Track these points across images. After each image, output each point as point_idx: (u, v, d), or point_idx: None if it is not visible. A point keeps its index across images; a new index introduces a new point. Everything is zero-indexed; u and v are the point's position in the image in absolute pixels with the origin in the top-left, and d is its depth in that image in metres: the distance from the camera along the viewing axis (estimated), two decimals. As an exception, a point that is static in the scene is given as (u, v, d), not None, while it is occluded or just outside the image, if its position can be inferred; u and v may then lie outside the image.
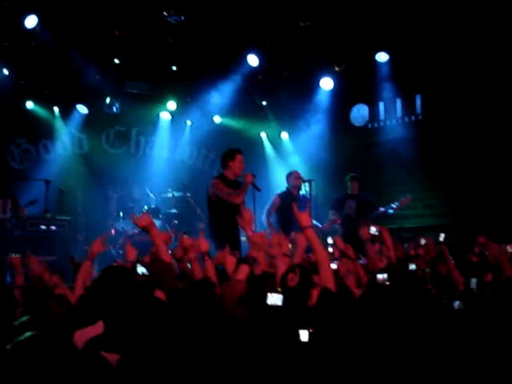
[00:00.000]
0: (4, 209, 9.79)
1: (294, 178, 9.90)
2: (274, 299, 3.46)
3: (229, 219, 8.04)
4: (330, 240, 6.88)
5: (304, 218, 4.68)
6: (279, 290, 3.54)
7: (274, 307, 3.44)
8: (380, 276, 4.61)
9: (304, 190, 9.86)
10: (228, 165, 8.45)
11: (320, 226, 9.94)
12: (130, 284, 4.04)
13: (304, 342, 3.26)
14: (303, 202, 9.71)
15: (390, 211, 10.19)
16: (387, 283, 4.54)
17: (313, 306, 4.03)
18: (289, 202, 9.58)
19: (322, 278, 4.29)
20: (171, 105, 12.64)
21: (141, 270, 4.45)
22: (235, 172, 8.42)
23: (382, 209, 10.29)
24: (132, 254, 5.42)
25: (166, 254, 4.42)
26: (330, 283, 4.26)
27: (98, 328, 3.29)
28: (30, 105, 11.66)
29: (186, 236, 5.51)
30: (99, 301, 3.76)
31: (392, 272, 4.79)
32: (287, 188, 9.96)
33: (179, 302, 3.67)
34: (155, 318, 3.12)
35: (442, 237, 6.99)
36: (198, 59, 11.60)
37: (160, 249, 4.46)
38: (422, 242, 6.66)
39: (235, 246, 7.47)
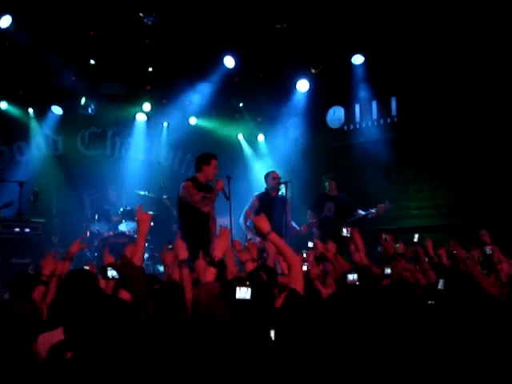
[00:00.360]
0: None
1: (271, 178, 9.88)
2: (243, 293, 3.47)
3: (198, 221, 8.10)
4: (310, 244, 6.89)
5: (262, 223, 4.65)
6: (247, 283, 3.54)
7: (244, 303, 3.45)
8: (350, 276, 4.64)
9: (281, 191, 9.84)
10: (202, 169, 8.49)
11: (298, 228, 9.94)
12: (93, 287, 4.04)
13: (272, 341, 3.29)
14: (281, 203, 9.72)
15: (369, 216, 10.19)
16: (357, 283, 4.57)
17: (279, 307, 4.05)
18: (267, 203, 9.63)
19: (291, 280, 4.29)
20: (146, 106, 12.56)
21: (111, 273, 4.44)
22: (208, 177, 8.50)
23: (361, 212, 10.26)
24: (108, 258, 5.42)
25: (140, 257, 4.38)
26: (299, 285, 4.26)
27: (59, 333, 3.28)
28: (3, 105, 11.48)
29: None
30: (63, 305, 3.75)
31: (361, 273, 4.82)
32: (266, 189, 9.94)
33: (149, 305, 3.64)
34: (116, 319, 3.11)
35: (416, 237, 7.05)
36: (174, 60, 11.57)
37: (139, 248, 4.41)
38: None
39: (206, 247, 7.46)
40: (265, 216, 4.71)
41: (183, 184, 8.49)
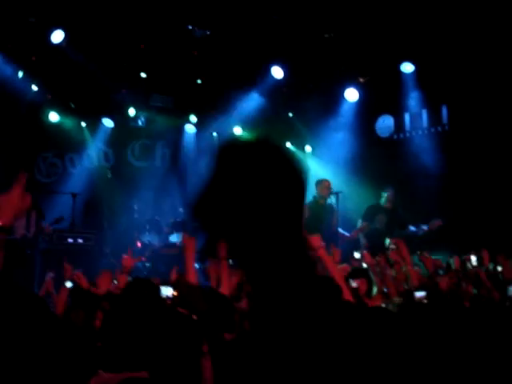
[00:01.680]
0: (28, 223, 9.74)
1: (323, 187, 9.73)
2: (165, 291, 3.52)
3: None
4: (356, 255, 6.77)
5: (314, 240, 4.63)
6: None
7: None
8: (418, 294, 4.51)
9: (330, 200, 9.75)
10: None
11: (347, 234, 9.84)
12: (157, 300, 3.99)
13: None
14: (330, 212, 9.65)
15: (420, 233, 9.96)
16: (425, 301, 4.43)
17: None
18: (317, 211, 9.55)
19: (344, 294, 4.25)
20: (193, 118, 12.64)
21: (165, 293, 4.35)
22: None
23: (412, 228, 10.05)
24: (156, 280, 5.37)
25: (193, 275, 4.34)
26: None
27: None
28: (55, 118, 11.71)
29: None
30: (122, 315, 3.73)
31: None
32: (314, 197, 9.83)
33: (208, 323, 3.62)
34: (178, 332, 3.10)
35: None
36: (222, 71, 11.63)
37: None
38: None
39: None
40: (320, 232, 4.71)
41: None
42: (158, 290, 4.13)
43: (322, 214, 9.54)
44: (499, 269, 6.52)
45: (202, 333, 3.30)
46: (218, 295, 4.17)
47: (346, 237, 9.74)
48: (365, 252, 6.63)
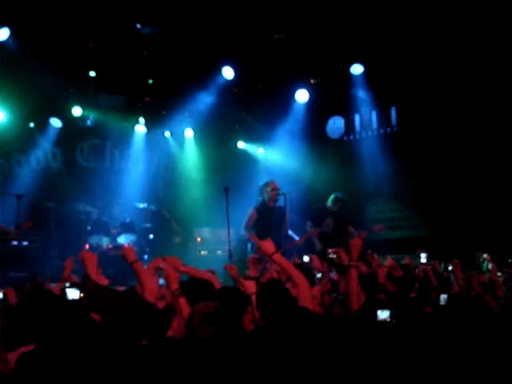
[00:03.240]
0: None
1: (270, 189, 9.63)
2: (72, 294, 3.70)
3: None
4: (306, 258, 6.74)
5: (266, 246, 4.60)
6: None
7: None
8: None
9: (278, 202, 9.69)
10: None
11: (296, 238, 9.81)
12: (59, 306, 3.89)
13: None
14: (280, 214, 9.59)
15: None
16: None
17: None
18: (266, 214, 9.50)
19: (300, 300, 4.23)
20: (142, 120, 12.51)
21: (72, 296, 4.27)
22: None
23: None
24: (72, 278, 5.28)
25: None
26: (308, 304, 4.20)
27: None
28: (1, 117, 11.39)
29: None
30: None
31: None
32: (263, 200, 9.74)
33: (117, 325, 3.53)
34: (89, 340, 3.02)
35: (423, 257, 7.00)
36: (172, 71, 11.53)
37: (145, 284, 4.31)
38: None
39: None
40: (270, 239, 4.64)
41: None
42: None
43: (271, 217, 9.49)
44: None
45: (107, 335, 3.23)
46: (138, 297, 4.06)
47: (295, 241, 9.68)
48: (313, 256, 6.60)
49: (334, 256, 6.09)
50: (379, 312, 3.94)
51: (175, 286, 4.54)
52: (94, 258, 4.66)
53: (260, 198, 9.70)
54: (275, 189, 9.62)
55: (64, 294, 4.21)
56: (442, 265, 7.00)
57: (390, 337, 3.95)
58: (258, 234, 9.28)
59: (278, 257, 4.57)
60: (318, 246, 9.82)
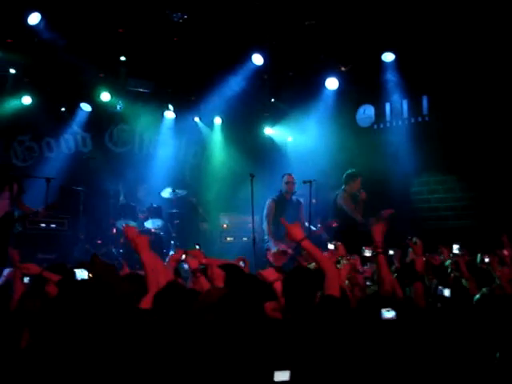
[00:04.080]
0: (11, 196, 9.36)
1: (286, 182, 9.75)
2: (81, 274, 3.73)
3: None
4: (330, 246, 6.59)
5: (295, 231, 4.54)
6: None
7: None
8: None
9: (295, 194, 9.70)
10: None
11: (314, 228, 9.78)
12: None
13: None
14: (296, 207, 9.62)
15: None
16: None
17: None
18: (282, 206, 9.53)
19: (327, 286, 4.16)
20: (171, 106, 12.54)
21: (80, 275, 4.17)
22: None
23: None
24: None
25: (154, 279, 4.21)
26: (335, 291, 4.13)
27: None
28: (29, 101, 11.51)
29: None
30: None
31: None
32: (280, 191, 9.80)
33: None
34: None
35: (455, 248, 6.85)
36: (202, 58, 11.50)
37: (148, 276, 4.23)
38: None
39: None
40: (298, 223, 4.61)
41: None
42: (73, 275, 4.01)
43: (287, 209, 9.51)
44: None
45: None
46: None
47: (313, 232, 9.65)
48: (339, 244, 6.49)
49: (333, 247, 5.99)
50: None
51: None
52: (146, 241, 4.34)
53: (279, 190, 9.76)
54: (290, 182, 9.67)
55: (73, 274, 4.18)
56: (479, 256, 6.82)
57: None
58: (275, 224, 9.33)
59: (306, 243, 4.49)
60: (325, 236, 9.75)
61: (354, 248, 6.11)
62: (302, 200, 9.66)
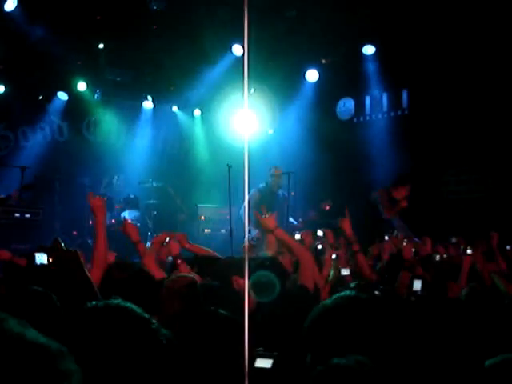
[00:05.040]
0: None
1: (275, 175, 9.71)
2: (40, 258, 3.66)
3: None
4: (319, 232, 6.46)
5: (268, 221, 4.51)
6: None
7: None
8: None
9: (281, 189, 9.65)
10: None
11: (295, 223, 9.75)
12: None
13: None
14: (282, 200, 9.58)
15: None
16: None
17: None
18: (268, 198, 9.45)
19: (301, 276, 4.11)
20: (149, 97, 12.42)
21: (40, 260, 4.03)
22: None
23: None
24: None
25: (102, 250, 4.20)
26: (310, 282, 4.08)
27: None
28: (2, 90, 11.34)
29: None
30: None
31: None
32: (267, 183, 9.75)
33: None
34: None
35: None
36: (182, 47, 11.38)
37: (99, 236, 4.24)
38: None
39: None
40: (272, 214, 4.61)
41: None
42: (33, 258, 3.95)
43: (273, 202, 9.44)
44: None
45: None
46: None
47: (294, 226, 9.63)
48: (328, 231, 6.41)
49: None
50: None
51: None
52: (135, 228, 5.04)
53: (266, 182, 9.69)
54: (278, 175, 9.62)
55: (33, 258, 4.09)
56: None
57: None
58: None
59: (279, 232, 4.48)
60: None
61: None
62: (286, 195, 9.58)
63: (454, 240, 6.93)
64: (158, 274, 4.51)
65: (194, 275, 4.24)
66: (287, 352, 3.30)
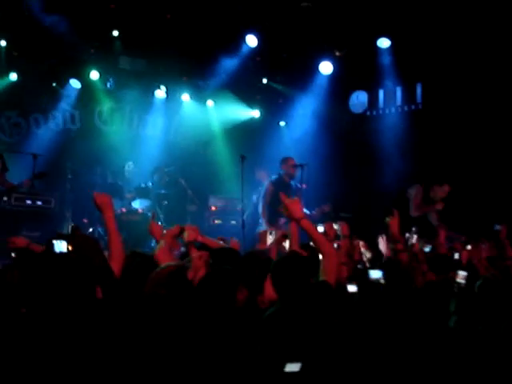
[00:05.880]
0: None
1: (289, 165, 9.62)
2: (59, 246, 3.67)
3: None
4: (320, 228, 6.47)
5: (296, 208, 4.38)
6: None
7: None
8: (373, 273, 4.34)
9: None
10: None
11: (309, 213, 9.69)
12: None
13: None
14: (295, 191, 9.52)
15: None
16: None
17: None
18: (281, 190, 9.37)
19: (323, 271, 4.02)
20: (162, 86, 12.38)
21: (59, 247, 4.02)
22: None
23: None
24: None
25: (117, 239, 4.17)
26: (332, 277, 3.99)
27: None
28: (15, 77, 11.33)
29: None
30: None
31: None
32: (280, 174, 9.69)
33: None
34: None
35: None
36: (195, 37, 11.32)
37: (112, 233, 4.20)
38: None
39: None
40: (299, 201, 4.48)
41: None
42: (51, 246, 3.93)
43: (287, 193, 9.36)
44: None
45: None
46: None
47: (308, 216, 9.56)
48: (342, 223, 6.37)
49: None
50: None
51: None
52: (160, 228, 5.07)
53: (278, 173, 9.64)
54: (293, 165, 9.56)
55: (51, 245, 4.05)
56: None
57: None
58: (270, 209, 9.24)
59: (306, 222, 4.32)
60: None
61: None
62: (299, 185, 9.53)
63: None
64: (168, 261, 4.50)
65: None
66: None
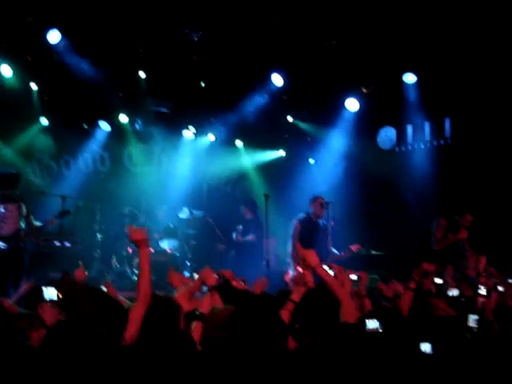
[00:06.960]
0: (20, 213, 9.24)
1: (317, 204, 9.54)
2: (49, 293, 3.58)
3: None
4: (353, 276, 6.25)
5: (310, 257, 4.39)
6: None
7: None
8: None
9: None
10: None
11: (337, 253, 9.57)
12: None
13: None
14: (323, 229, 9.44)
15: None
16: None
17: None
18: (310, 229, 9.32)
19: (343, 314, 3.99)
20: (191, 127, 12.50)
21: (49, 295, 3.96)
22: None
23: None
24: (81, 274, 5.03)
25: (148, 280, 4.07)
26: (352, 319, 4.00)
27: None
28: (46, 122, 11.59)
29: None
30: None
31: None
32: (307, 214, 9.59)
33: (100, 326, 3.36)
34: None
35: None
36: (221, 78, 11.42)
37: (144, 271, 4.10)
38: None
39: None
40: (313, 250, 4.51)
41: None
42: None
43: (315, 233, 9.30)
44: None
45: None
46: (110, 299, 3.81)
47: (337, 256, 9.45)
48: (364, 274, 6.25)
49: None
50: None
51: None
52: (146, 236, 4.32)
53: (306, 212, 9.57)
54: (322, 205, 9.49)
55: (41, 292, 3.97)
56: None
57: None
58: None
59: (321, 270, 4.35)
60: None
61: None
62: (326, 224, 9.45)
63: None
64: (187, 306, 4.41)
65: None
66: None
